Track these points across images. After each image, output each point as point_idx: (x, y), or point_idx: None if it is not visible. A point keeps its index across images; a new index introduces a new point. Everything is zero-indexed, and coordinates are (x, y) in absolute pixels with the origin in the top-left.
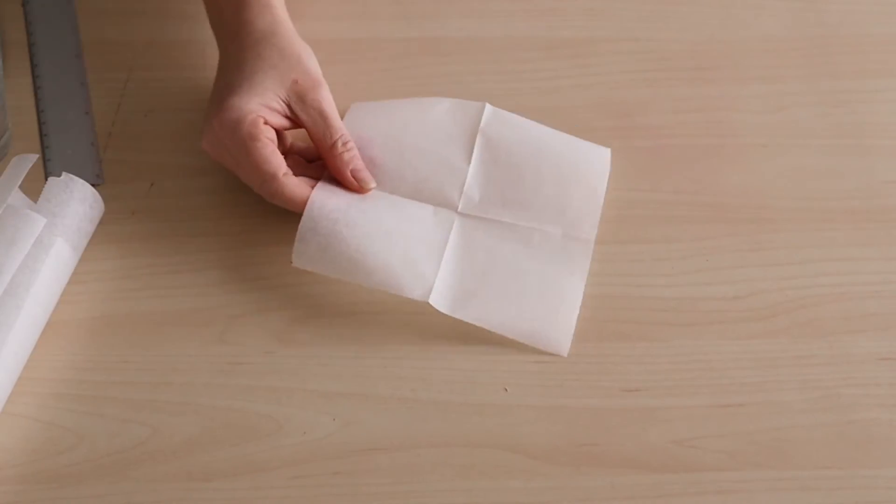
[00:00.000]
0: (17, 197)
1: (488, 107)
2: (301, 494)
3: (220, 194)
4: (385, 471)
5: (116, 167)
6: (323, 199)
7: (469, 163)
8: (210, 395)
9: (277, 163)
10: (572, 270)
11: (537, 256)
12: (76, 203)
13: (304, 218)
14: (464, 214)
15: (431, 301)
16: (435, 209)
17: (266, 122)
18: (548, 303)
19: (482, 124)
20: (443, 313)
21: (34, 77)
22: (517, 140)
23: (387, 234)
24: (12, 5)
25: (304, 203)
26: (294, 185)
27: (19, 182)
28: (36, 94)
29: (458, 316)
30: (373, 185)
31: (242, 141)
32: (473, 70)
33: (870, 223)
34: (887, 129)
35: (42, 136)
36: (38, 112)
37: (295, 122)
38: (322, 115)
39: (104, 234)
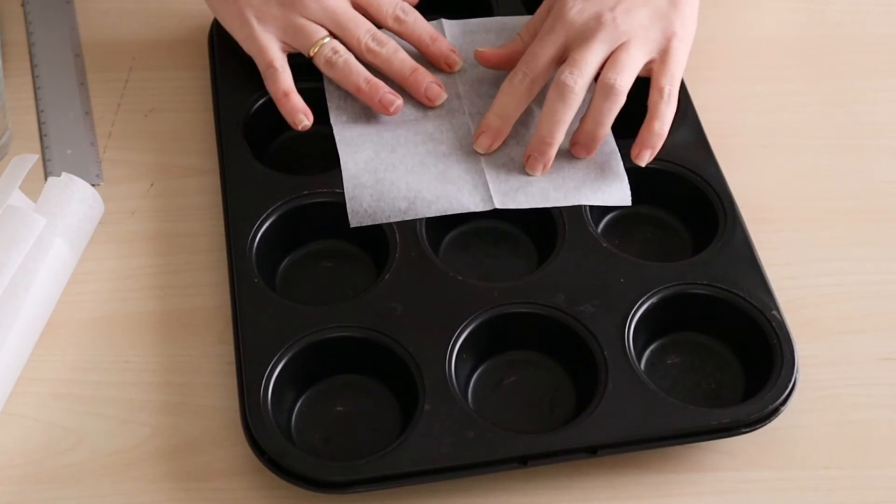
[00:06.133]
0: (17, 197)
1: (444, 21)
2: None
3: (219, 194)
4: None
5: (116, 167)
6: (351, 154)
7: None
8: (210, 395)
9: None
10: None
11: None
12: (76, 203)
13: (344, 179)
14: (473, 114)
15: (498, 205)
16: (447, 117)
17: None
18: (594, 159)
19: (447, 36)
20: None
21: (34, 77)
22: (483, 38)
23: (422, 164)
24: (12, 5)
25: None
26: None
27: (19, 182)
28: (36, 94)
29: (524, 206)
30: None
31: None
32: None
33: (870, 223)
34: (887, 129)
35: (42, 136)
36: (38, 112)
37: None
38: None
39: (104, 234)
